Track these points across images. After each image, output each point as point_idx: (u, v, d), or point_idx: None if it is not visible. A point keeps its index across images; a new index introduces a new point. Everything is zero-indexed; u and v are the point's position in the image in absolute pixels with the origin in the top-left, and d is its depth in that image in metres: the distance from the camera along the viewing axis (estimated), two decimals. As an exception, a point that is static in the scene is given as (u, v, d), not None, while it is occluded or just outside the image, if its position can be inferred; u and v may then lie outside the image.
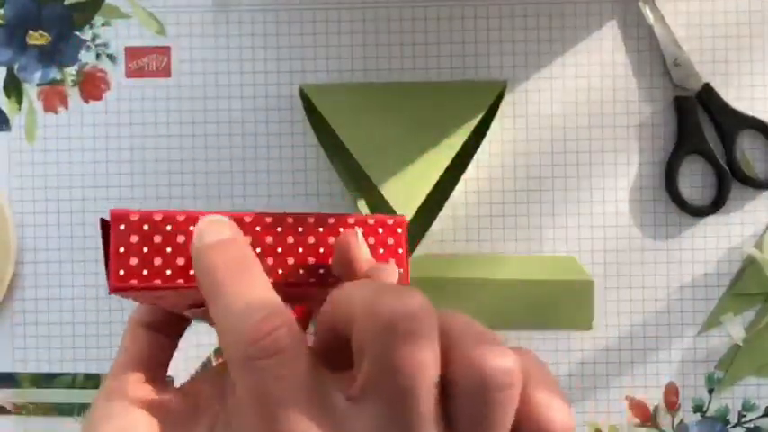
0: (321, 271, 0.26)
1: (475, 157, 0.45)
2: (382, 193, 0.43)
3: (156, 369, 0.29)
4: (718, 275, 0.47)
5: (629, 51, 0.47)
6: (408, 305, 0.18)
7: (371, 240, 0.27)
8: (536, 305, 0.46)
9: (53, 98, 0.47)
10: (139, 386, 0.27)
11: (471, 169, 0.47)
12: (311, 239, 0.26)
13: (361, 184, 0.46)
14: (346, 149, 0.44)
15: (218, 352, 0.47)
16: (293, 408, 0.19)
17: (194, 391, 0.29)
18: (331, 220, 0.26)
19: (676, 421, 0.47)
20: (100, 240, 0.47)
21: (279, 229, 0.25)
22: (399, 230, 0.28)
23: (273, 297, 0.21)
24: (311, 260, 0.26)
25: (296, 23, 0.47)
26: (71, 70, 0.47)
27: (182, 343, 0.43)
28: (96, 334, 0.47)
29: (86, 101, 0.47)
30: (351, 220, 0.27)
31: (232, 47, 0.47)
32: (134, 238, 0.24)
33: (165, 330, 0.30)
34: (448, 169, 0.44)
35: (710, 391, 0.47)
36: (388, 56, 0.47)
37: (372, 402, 0.18)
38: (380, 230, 0.27)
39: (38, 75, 0.47)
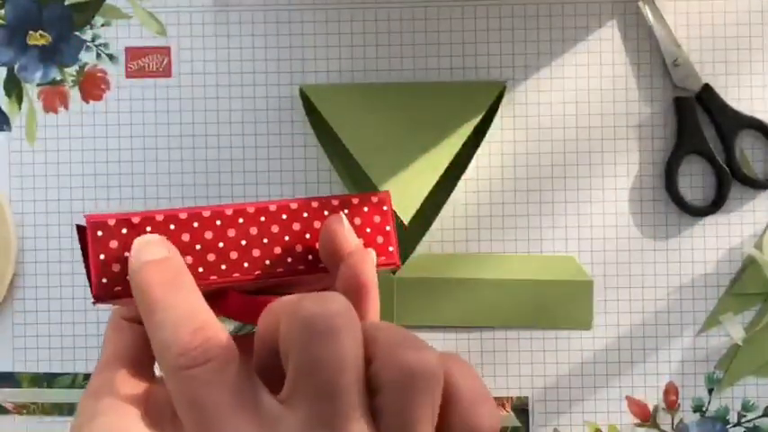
0: (310, 257, 0.25)
1: (475, 157, 0.45)
2: (382, 193, 0.43)
3: (142, 362, 0.28)
4: (718, 275, 0.47)
5: (629, 51, 0.47)
6: (327, 306, 0.19)
7: (357, 221, 0.26)
8: (536, 305, 0.46)
9: (53, 98, 0.47)
10: (126, 381, 0.27)
11: (471, 169, 0.47)
12: (296, 226, 0.25)
13: (361, 184, 0.46)
14: (346, 149, 0.44)
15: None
16: (223, 411, 0.19)
17: None
18: (315, 204, 0.25)
19: (676, 421, 0.47)
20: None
21: (262, 219, 0.25)
22: (385, 207, 0.27)
23: (204, 311, 0.21)
24: (299, 248, 0.25)
25: (296, 23, 0.47)
26: (71, 70, 0.47)
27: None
28: (96, 334, 0.47)
29: (86, 101, 0.47)
30: (335, 202, 0.26)
31: (232, 47, 0.47)
32: (113, 244, 0.23)
33: None
34: (448, 169, 0.44)
35: (710, 391, 0.47)
36: (388, 56, 0.47)
37: (300, 401, 0.19)
38: (366, 209, 0.26)
39: (38, 75, 0.47)
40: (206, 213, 0.24)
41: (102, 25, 0.47)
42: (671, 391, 0.47)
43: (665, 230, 0.47)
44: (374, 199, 0.27)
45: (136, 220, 0.23)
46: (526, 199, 0.47)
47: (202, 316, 0.21)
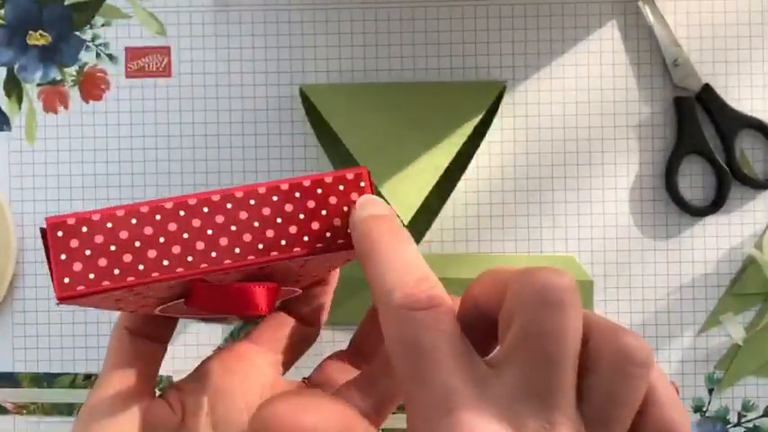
0: (283, 242, 0.24)
1: (475, 157, 0.45)
2: (382, 192, 0.43)
3: (142, 377, 0.28)
4: (718, 275, 0.47)
5: (629, 51, 0.47)
6: (562, 278, 0.19)
7: (333, 200, 0.25)
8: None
9: (53, 98, 0.47)
10: (123, 400, 0.27)
11: (471, 169, 0.47)
12: (266, 211, 0.24)
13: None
14: (346, 149, 0.44)
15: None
16: (439, 356, 0.19)
17: (179, 401, 0.29)
18: (284, 186, 0.25)
19: (676, 421, 0.47)
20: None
21: (229, 206, 0.24)
22: (362, 184, 0.25)
23: (427, 266, 0.22)
24: (270, 233, 0.24)
25: (296, 23, 0.47)
26: (71, 70, 0.47)
27: (181, 343, 0.43)
28: (96, 334, 0.47)
29: (86, 101, 0.47)
30: (307, 183, 0.25)
31: (232, 47, 0.47)
32: (74, 243, 0.23)
33: (152, 335, 0.29)
34: (448, 169, 0.44)
35: (710, 391, 0.47)
36: (388, 56, 0.47)
37: (515, 367, 0.19)
38: (341, 187, 0.25)
39: (38, 75, 0.47)
40: (168, 205, 0.24)
41: (102, 25, 0.47)
42: (671, 391, 0.47)
43: (665, 230, 0.47)
44: (349, 176, 0.25)
45: (96, 217, 0.23)
46: (526, 199, 0.47)
47: (427, 269, 0.22)
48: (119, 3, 0.47)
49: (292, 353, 0.32)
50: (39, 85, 0.47)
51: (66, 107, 0.47)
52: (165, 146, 0.47)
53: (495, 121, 0.46)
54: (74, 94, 0.47)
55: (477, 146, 0.45)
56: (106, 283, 0.23)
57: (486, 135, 0.45)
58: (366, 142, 0.44)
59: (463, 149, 0.44)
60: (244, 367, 0.30)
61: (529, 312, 0.19)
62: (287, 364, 0.32)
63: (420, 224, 0.46)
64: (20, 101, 0.47)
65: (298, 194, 0.24)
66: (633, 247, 0.47)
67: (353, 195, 0.25)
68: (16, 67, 0.47)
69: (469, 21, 0.47)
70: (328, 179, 0.25)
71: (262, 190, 0.24)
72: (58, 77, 0.47)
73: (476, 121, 0.44)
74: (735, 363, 0.47)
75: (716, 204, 0.47)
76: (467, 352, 0.20)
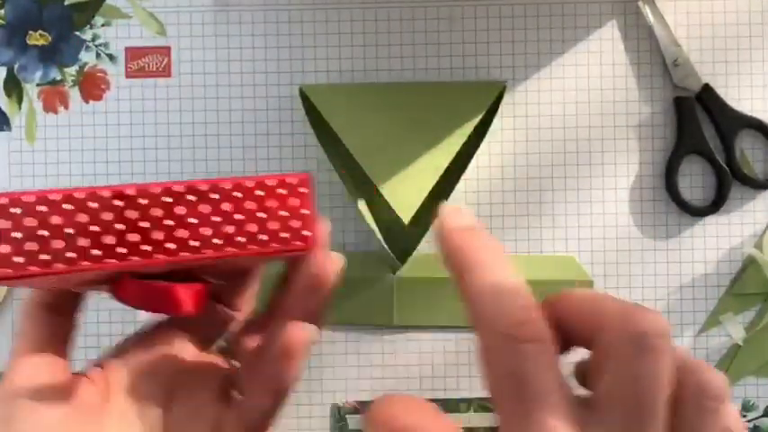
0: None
1: (475, 157, 0.45)
2: (382, 192, 0.43)
3: (59, 354, 0.28)
4: (718, 275, 0.47)
5: (629, 51, 0.47)
6: (661, 323, 0.20)
7: (273, 203, 0.25)
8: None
9: (53, 98, 0.47)
10: (41, 379, 0.26)
11: (471, 169, 0.47)
12: (205, 208, 0.24)
13: (361, 184, 0.46)
14: (346, 149, 0.44)
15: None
16: (545, 396, 0.19)
17: (102, 378, 0.28)
18: (227, 185, 0.25)
19: (676, 421, 0.47)
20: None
21: (168, 200, 0.24)
22: (303, 190, 0.25)
23: (525, 285, 0.21)
24: (206, 231, 0.24)
25: (296, 23, 0.47)
26: (71, 70, 0.47)
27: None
28: (96, 334, 0.47)
29: (86, 101, 0.47)
30: (249, 183, 0.25)
31: (232, 47, 0.47)
32: (4, 224, 0.22)
33: (66, 309, 0.29)
34: (448, 169, 0.44)
35: (710, 391, 0.47)
36: (388, 56, 0.47)
37: (610, 410, 0.19)
38: (283, 191, 0.25)
39: (38, 75, 0.47)
40: (105, 194, 0.23)
41: (102, 25, 0.47)
42: (671, 391, 0.47)
43: (665, 230, 0.47)
44: (292, 180, 0.25)
45: (29, 199, 0.22)
46: (526, 199, 0.47)
47: (527, 291, 0.21)
48: (119, 3, 0.47)
49: (213, 332, 0.32)
50: (39, 85, 0.47)
51: (66, 107, 0.47)
52: (165, 146, 0.47)
53: (495, 121, 0.46)
54: (74, 94, 0.47)
55: (477, 146, 0.45)
56: (34, 268, 0.22)
57: (486, 135, 0.45)
58: (366, 142, 0.44)
59: (463, 149, 0.44)
60: (164, 346, 0.30)
61: (627, 355, 0.19)
62: (208, 342, 0.32)
63: (420, 224, 0.46)
64: (20, 101, 0.47)
65: (239, 194, 0.25)
66: (633, 247, 0.47)
67: (293, 201, 0.25)
68: (16, 67, 0.47)
69: (469, 21, 0.47)
70: (271, 182, 0.25)
71: (203, 187, 0.24)
72: (58, 77, 0.47)
73: (476, 121, 0.44)
74: (735, 363, 0.47)
75: (716, 204, 0.47)
76: (569, 392, 0.20)
